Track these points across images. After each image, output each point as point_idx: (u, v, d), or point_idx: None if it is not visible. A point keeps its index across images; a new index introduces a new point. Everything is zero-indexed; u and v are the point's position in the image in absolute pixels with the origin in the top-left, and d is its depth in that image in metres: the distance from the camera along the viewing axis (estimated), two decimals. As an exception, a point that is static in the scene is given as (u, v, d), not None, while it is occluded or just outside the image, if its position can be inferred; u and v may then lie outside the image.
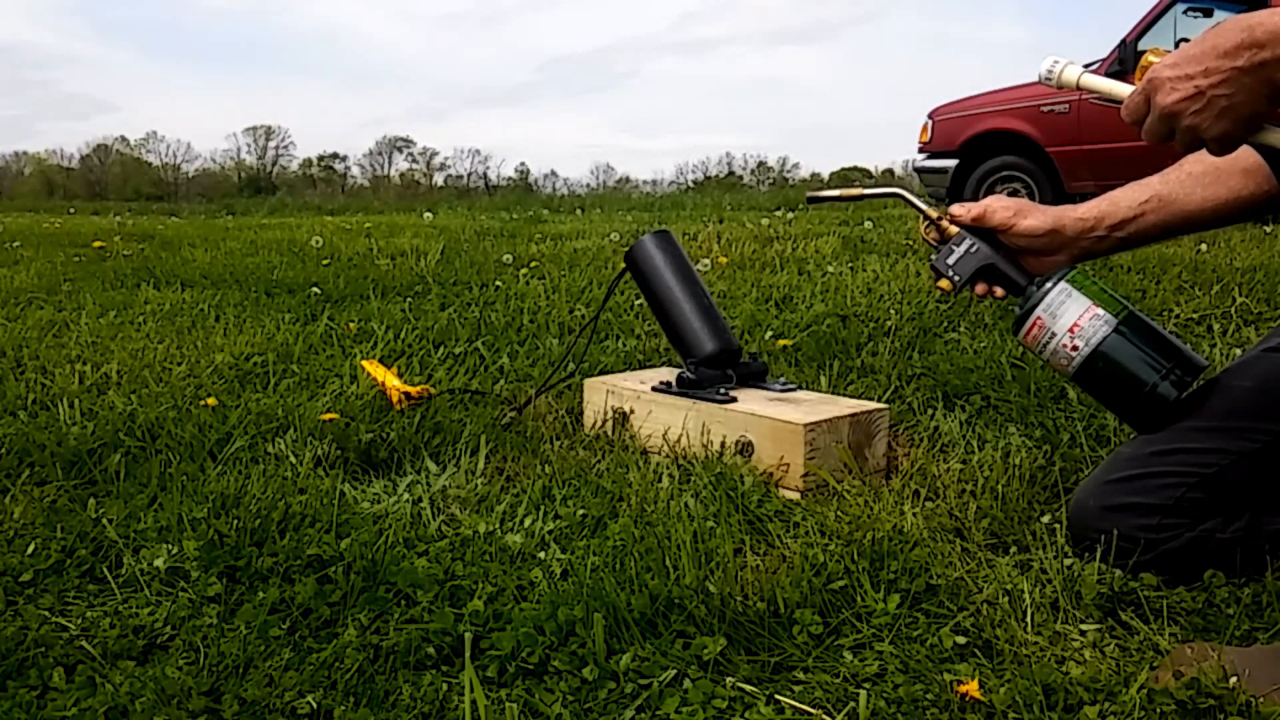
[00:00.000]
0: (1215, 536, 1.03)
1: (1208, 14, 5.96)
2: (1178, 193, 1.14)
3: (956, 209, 1.22)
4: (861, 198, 1.30)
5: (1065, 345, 1.09)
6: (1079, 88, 1.09)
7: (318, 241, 4.66)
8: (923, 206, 1.25)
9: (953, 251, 1.20)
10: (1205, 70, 0.90)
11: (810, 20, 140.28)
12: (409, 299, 2.94)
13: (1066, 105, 6.21)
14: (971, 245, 1.18)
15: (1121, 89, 1.04)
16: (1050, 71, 1.10)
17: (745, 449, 1.40)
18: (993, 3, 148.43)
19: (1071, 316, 1.09)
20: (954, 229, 1.21)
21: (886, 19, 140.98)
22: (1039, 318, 1.11)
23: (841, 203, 1.32)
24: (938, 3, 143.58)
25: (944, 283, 1.20)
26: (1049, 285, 1.12)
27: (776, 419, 1.37)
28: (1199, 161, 1.15)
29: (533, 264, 3.72)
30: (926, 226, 1.24)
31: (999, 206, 1.19)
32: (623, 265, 1.72)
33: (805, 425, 1.34)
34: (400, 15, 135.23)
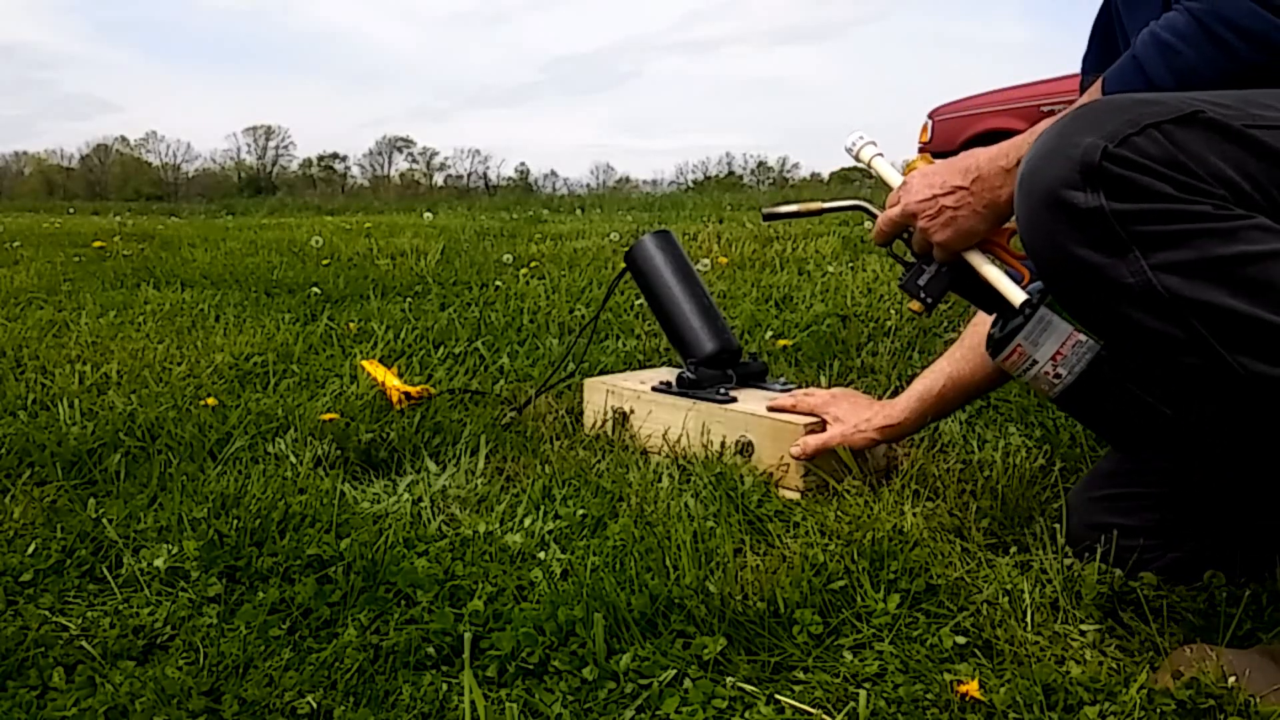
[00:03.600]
0: (1198, 556, 1.03)
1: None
2: (964, 370, 1.30)
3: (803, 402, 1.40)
4: (821, 212, 1.28)
5: (1047, 373, 1.06)
6: (868, 166, 1.21)
7: (318, 241, 4.67)
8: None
9: (923, 272, 1.17)
10: (943, 183, 1.05)
11: (815, 20, 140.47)
12: (409, 299, 2.94)
13: (1067, 105, 6.21)
14: (942, 265, 1.14)
15: (896, 179, 1.15)
16: (853, 145, 1.23)
17: (745, 449, 1.40)
18: (996, 2, 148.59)
19: (1054, 345, 1.05)
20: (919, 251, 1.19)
21: (891, 19, 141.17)
22: (1019, 345, 1.07)
23: (799, 218, 1.31)
24: (942, 2, 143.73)
25: (915, 304, 1.18)
26: (1029, 313, 1.08)
27: (777, 419, 1.37)
28: (974, 334, 1.30)
29: (533, 264, 3.72)
30: (893, 244, 1.20)
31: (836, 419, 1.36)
32: (622, 265, 1.71)
33: (806, 425, 1.34)
34: (403, 15, 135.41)
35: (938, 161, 1.09)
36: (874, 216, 1.20)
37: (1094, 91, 1.00)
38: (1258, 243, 0.77)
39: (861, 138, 1.21)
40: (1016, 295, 1.05)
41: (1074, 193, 0.80)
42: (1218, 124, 0.80)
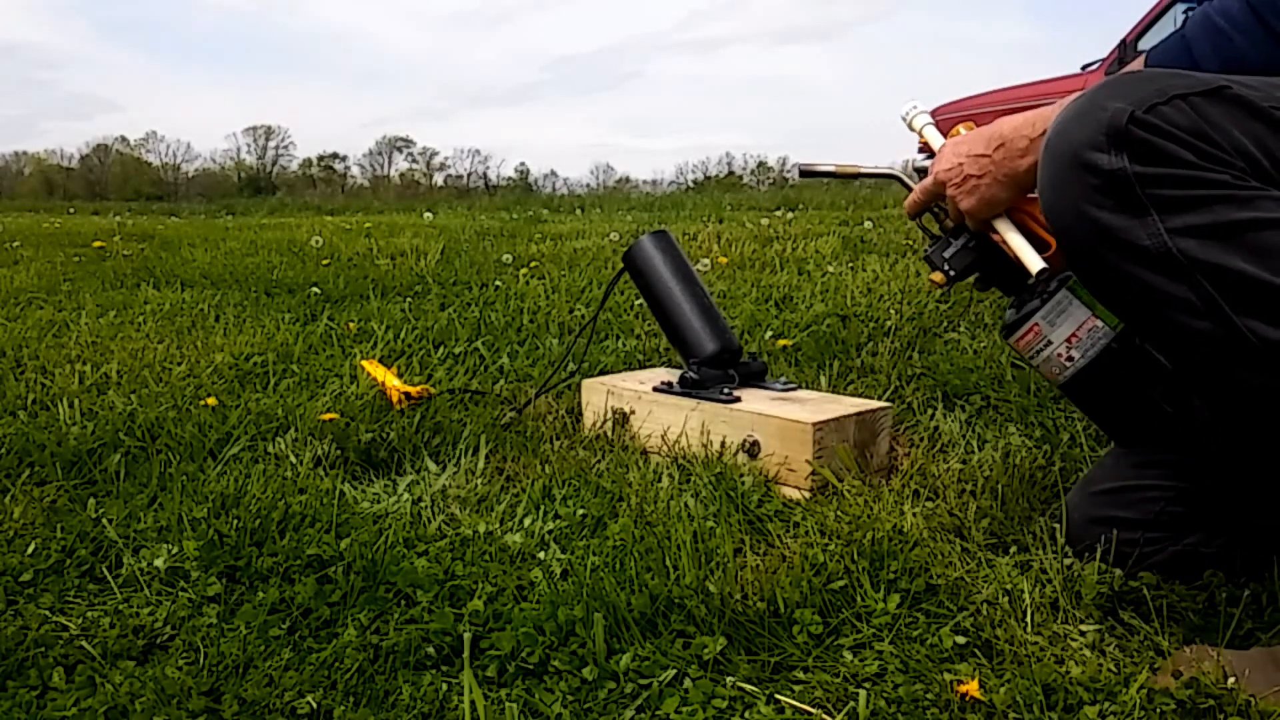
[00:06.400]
0: (1199, 550, 1.03)
1: (1207, 14, 5.95)
2: None
3: None
4: (857, 176, 1.30)
5: (1060, 355, 1.07)
6: (920, 134, 1.22)
7: (318, 241, 4.67)
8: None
9: (950, 245, 1.17)
10: (969, 151, 1.06)
11: (819, 19, 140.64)
12: (409, 299, 2.94)
13: (1067, 105, 6.20)
14: (969, 240, 1.15)
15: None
16: (907, 113, 1.23)
17: (753, 448, 1.40)
18: (998, 2, 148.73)
19: (1070, 327, 1.07)
20: (950, 221, 1.18)
21: (895, 18, 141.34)
22: (1036, 325, 1.08)
23: (835, 179, 1.31)
24: (944, 2, 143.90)
25: (937, 275, 1.18)
26: (1049, 292, 1.09)
27: (784, 418, 1.37)
28: None
29: (533, 264, 3.72)
30: (923, 218, 1.22)
31: None
32: (621, 265, 1.71)
33: (814, 424, 1.33)
34: (405, 15, 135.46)
35: (970, 131, 1.10)
36: (909, 187, 1.21)
37: (1137, 66, 1.01)
38: (1272, 211, 0.79)
39: (915, 106, 1.22)
40: (1035, 263, 1.05)
41: (1098, 154, 0.82)
42: (1243, 100, 0.82)
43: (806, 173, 1.32)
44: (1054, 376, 1.09)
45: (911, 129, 1.23)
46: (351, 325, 2.47)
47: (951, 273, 1.17)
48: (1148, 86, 0.83)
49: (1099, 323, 1.06)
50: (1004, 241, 1.08)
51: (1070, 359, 1.06)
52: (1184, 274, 0.81)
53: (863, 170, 1.29)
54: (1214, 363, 0.84)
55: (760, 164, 61.34)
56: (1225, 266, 0.79)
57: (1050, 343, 1.08)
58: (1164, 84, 0.83)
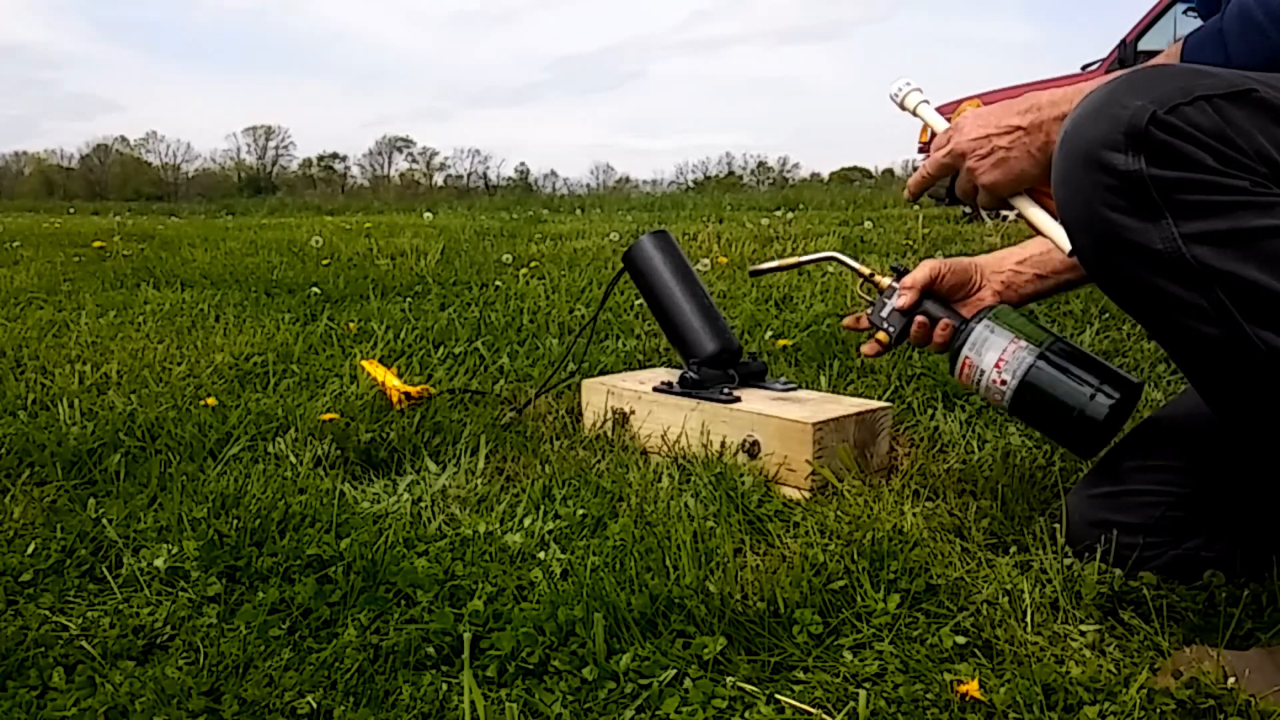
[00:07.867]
0: (1200, 555, 1.03)
1: (1208, 14, 5.95)
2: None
3: (905, 280, 1.27)
4: (799, 264, 1.40)
5: (995, 381, 1.11)
6: (914, 113, 1.21)
7: (317, 241, 4.67)
8: (856, 266, 1.31)
9: (885, 304, 1.25)
10: (998, 122, 1.03)
11: (821, 20, 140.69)
12: (409, 299, 2.94)
13: (1067, 105, 6.19)
14: (900, 300, 1.23)
15: (942, 124, 1.15)
16: (898, 92, 1.21)
17: (753, 448, 1.40)
18: (999, 2, 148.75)
19: (996, 352, 1.11)
20: (885, 282, 1.26)
21: (895, 19, 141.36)
22: (967, 357, 1.13)
23: (782, 271, 1.48)
24: (945, 2, 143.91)
25: (881, 335, 1.25)
26: (972, 324, 1.14)
27: (784, 418, 1.37)
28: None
29: (533, 264, 3.72)
30: (862, 285, 1.29)
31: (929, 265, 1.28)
32: (621, 265, 1.71)
33: (814, 424, 1.33)
34: (407, 15, 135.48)
35: (986, 106, 1.08)
36: (851, 268, 1.30)
37: (1172, 53, 0.99)
38: None
39: (908, 84, 1.20)
40: (1065, 243, 1.03)
41: (1114, 154, 0.80)
42: (1268, 105, 0.80)
43: (756, 272, 1.43)
44: (999, 403, 1.14)
45: (904, 108, 1.21)
46: (351, 325, 2.47)
47: (891, 330, 1.24)
48: (1171, 84, 0.80)
49: (1023, 342, 1.10)
50: (1028, 219, 1.07)
51: (1004, 383, 1.10)
52: (1196, 280, 0.79)
53: (803, 260, 1.40)
54: (1221, 369, 0.83)
55: (760, 164, 61.37)
56: (1238, 274, 0.78)
57: (983, 371, 1.12)
58: (1188, 83, 0.80)
